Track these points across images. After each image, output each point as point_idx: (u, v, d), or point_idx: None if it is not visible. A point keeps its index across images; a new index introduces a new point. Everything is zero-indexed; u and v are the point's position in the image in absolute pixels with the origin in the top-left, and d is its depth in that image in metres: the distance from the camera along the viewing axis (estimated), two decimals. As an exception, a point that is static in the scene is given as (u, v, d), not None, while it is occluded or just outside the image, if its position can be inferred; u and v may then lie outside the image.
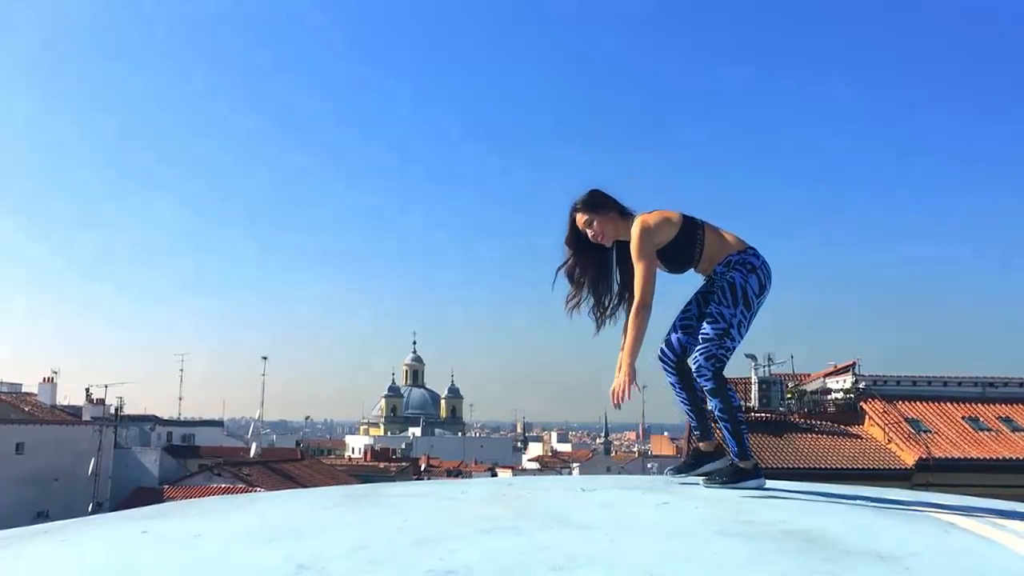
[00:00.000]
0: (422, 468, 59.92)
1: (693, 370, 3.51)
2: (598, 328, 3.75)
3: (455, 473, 53.47)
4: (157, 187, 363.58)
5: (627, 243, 3.55)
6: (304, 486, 26.96)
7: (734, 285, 3.47)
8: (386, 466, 57.93)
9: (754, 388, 27.96)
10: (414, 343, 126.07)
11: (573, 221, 3.66)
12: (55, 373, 41.71)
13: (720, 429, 3.53)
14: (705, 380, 3.46)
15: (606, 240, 3.62)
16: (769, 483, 3.65)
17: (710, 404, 3.52)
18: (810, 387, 30.21)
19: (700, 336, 3.50)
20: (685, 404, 3.66)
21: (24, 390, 40.66)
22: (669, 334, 3.65)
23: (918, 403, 27.65)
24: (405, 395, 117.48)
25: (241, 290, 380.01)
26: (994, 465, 23.77)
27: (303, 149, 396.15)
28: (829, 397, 29.15)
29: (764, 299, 3.57)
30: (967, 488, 6.76)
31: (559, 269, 3.77)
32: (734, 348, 3.52)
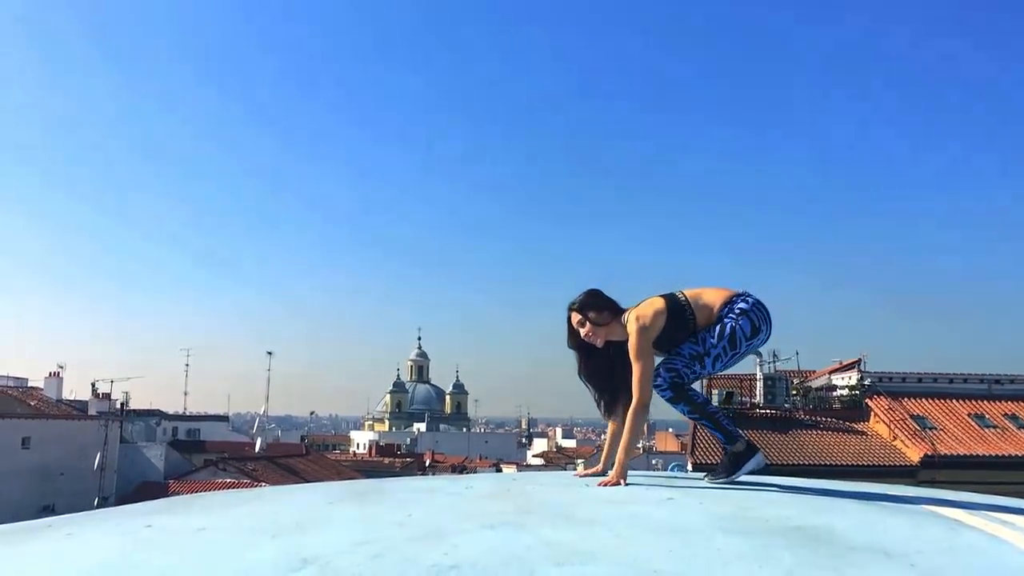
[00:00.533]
0: (427, 464, 59.99)
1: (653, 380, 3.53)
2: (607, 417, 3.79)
3: (460, 469, 53.52)
4: (163, 183, 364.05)
5: (621, 341, 3.60)
6: (309, 481, 27.02)
7: (725, 325, 3.52)
8: (391, 462, 58.09)
9: (759, 384, 27.97)
10: (419, 339, 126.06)
11: (571, 321, 3.71)
12: (61, 368, 41.92)
13: (701, 427, 3.57)
14: (661, 391, 3.50)
15: (597, 342, 3.67)
16: (774, 479, 3.64)
17: (676, 410, 3.56)
18: (815, 384, 30.23)
19: (675, 350, 3.55)
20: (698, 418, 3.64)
21: (30, 384, 40.79)
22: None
23: (924, 400, 27.65)
24: (410, 391, 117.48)
25: (247, 285, 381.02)
26: (1000, 462, 23.77)
27: (309, 146, 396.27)
28: (835, 394, 29.18)
29: (758, 342, 3.59)
30: (973, 485, 6.74)
31: (579, 375, 3.82)
32: (701, 376, 3.57)
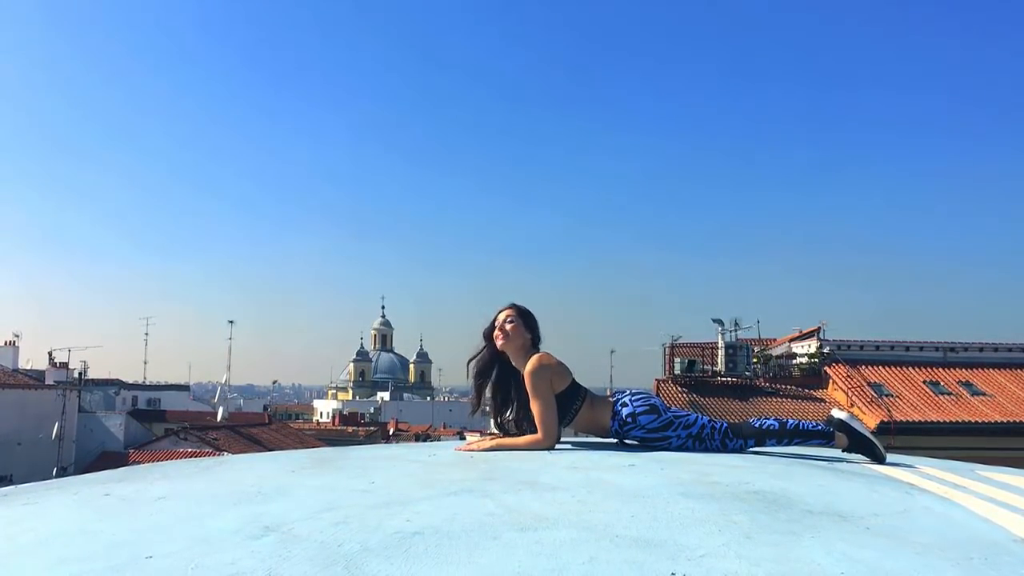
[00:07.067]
0: (391, 433, 60.08)
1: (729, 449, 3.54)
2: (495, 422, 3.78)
3: (424, 438, 53.59)
4: (125, 149, 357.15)
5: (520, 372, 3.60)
6: (271, 450, 26.91)
7: (650, 428, 3.53)
8: (354, 431, 58.14)
9: (721, 353, 28.26)
10: (383, 307, 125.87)
11: (499, 314, 3.69)
12: (17, 336, 41.23)
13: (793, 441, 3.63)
14: (731, 446, 3.53)
15: (505, 347, 3.64)
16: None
17: (771, 443, 3.61)
18: (776, 352, 30.59)
19: (679, 437, 3.54)
20: (781, 437, 3.63)
21: (-15, 354, 40.08)
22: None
23: (881, 367, 28.14)
24: (374, 360, 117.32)
25: (208, 253, 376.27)
26: (954, 428, 24.31)
27: (271, 111, 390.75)
28: (794, 362, 29.55)
29: (658, 402, 3.60)
30: (927, 451, 6.89)
31: (470, 360, 3.78)
32: (696, 425, 3.55)
